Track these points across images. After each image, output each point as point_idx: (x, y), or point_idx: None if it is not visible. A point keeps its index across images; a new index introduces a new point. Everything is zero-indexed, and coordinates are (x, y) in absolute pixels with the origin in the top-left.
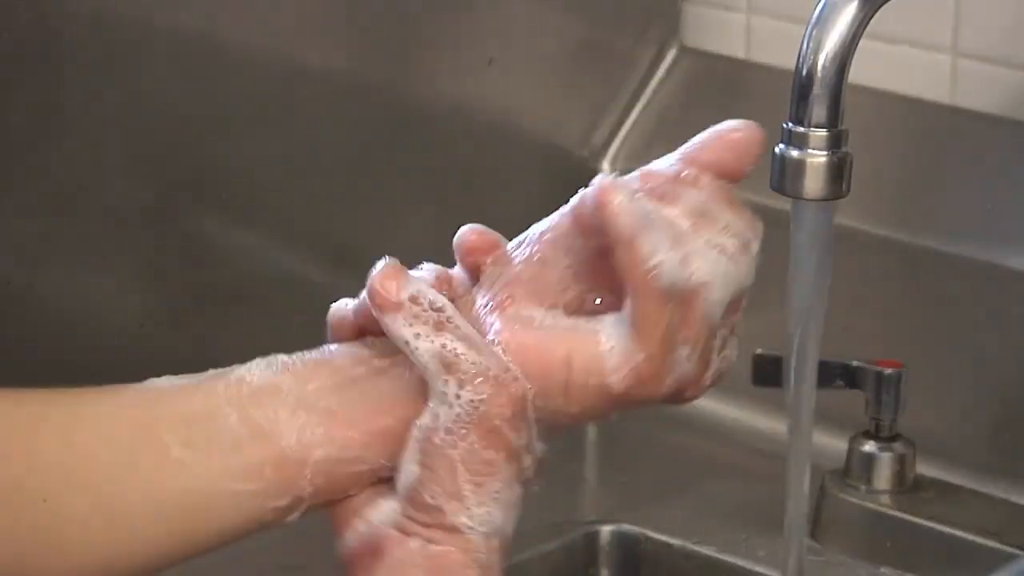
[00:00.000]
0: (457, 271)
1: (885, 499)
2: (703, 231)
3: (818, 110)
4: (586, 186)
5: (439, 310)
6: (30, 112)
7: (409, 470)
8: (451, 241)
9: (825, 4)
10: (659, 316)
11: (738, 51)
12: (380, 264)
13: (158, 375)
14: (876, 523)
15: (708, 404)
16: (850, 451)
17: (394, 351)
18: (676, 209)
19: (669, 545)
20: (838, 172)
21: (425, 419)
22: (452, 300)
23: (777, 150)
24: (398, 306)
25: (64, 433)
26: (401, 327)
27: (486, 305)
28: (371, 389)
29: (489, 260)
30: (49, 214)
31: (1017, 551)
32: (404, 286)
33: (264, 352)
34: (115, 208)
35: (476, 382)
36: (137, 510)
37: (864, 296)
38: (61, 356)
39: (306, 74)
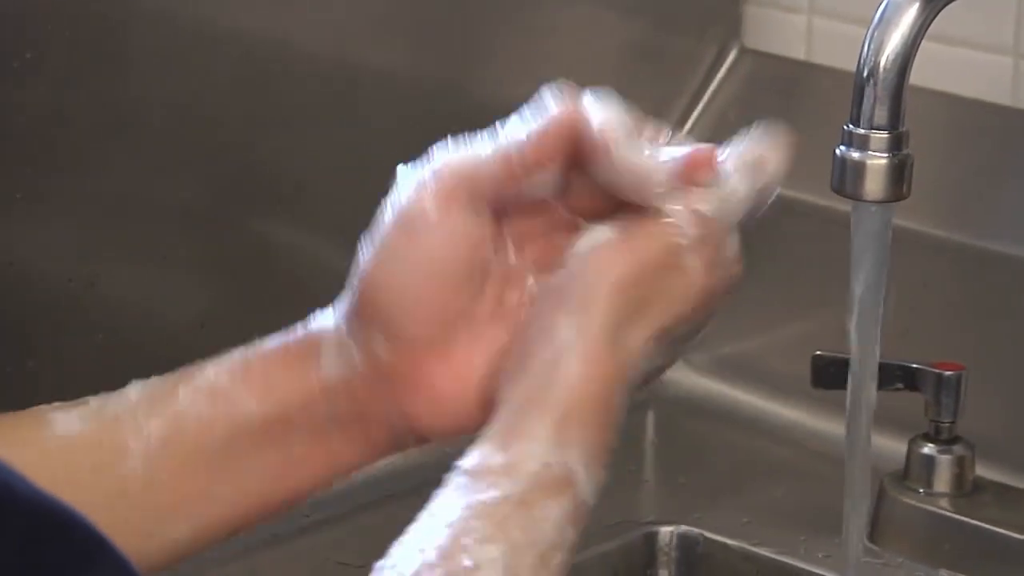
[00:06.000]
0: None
1: (944, 501)
2: None
3: (879, 112)
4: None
5: None
6: (92, 110)
7: None
8: None
9: (887, 5)
10: None
11: (799, 52)
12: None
13: None
14: (935, 525)
15: (768, 405)
16: (909, 453)
17: None
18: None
19: (728, 546)
20: (899, 174)
21: None
22: None
23: (838, 152)
24: None
25: None
26: None
27: None
28: None
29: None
30: (111, 212)
31: None
32: None
33: None
34: (176, 206)
35: None
36: None
37: (924, 298)
38: (122, 354)
39: (368, 75)
